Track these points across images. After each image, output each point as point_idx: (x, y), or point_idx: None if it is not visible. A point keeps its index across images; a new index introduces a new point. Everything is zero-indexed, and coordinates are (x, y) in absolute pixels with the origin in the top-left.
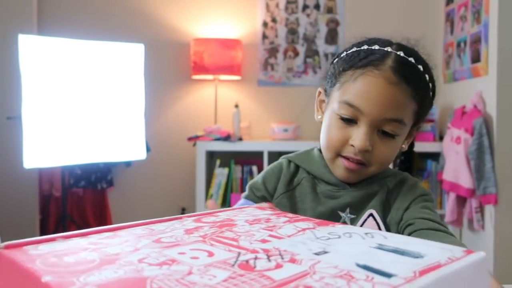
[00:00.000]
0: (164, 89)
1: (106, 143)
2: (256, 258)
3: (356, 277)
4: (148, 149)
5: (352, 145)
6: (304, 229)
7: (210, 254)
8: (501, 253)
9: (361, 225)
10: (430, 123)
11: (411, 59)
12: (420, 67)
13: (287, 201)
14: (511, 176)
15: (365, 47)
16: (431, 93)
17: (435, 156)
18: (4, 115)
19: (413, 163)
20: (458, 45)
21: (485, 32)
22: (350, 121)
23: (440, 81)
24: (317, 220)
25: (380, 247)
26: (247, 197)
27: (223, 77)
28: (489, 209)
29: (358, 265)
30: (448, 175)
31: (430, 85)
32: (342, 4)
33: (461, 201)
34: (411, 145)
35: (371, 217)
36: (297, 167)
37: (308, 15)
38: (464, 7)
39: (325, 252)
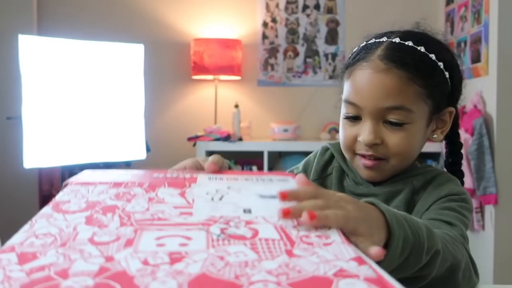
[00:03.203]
0: (164, 89)
1: (106, 143)
2: (226, 228)
3: None
4: (148, 149)
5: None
6: (183, 193)
7: (188, 238)
8: (501, 253)
9: None
10: None
11: (409, 43)
12: (422, 48)
13: None
14: (511, 176)
15: (372, 41)
16: (446, 72)
17: (435, 156)
18: (4, 115)
19: (460, 163)
20: (458, 45)
21: (485, 32)
22: (355, 119)
23: None
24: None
25: (264, 196)
26: None
27: (223, 77)
28: (489, 209)
29: None
30: None
31: (441, 64)
32: (342, 4)
33: None
34: (456, 142)
35: None
36: (333, 155)
37: (308, 15)
38: (464, 7)
39: (250, 210)
